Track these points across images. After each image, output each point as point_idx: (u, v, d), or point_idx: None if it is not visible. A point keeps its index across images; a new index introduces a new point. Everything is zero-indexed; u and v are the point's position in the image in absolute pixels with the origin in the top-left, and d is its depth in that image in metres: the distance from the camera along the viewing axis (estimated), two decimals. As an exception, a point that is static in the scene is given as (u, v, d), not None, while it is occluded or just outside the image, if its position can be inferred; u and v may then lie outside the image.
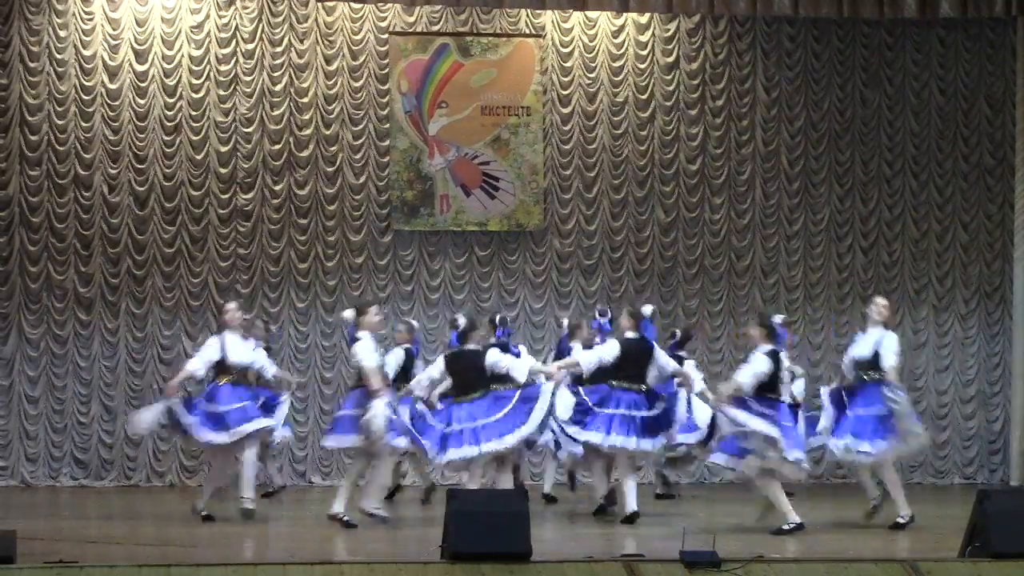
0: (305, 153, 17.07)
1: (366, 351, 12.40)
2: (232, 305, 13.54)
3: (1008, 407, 17.75)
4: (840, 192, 17.86)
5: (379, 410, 12.13)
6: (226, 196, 16.93)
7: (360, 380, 12.53)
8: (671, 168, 17.64)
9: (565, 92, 17.54)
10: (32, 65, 16.62)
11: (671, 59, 17.68)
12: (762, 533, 12.57)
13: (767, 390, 12.30)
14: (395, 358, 14.28)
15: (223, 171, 16.93)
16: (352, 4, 17.09)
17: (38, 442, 16.45)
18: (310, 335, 16.81)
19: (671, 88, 17.67)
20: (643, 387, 13.01)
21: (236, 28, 16.97)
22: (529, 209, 17.34)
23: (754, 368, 12.30)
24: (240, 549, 11.38)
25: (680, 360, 14.92)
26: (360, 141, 17.19)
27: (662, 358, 13.17)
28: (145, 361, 16.69)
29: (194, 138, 16.88)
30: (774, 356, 12.37)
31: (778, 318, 12.97)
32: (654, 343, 13.20)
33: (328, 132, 17.14)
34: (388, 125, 17.20)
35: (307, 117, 17.09)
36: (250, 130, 17.00)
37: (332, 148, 17.14)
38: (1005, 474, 17.71)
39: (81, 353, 16.62)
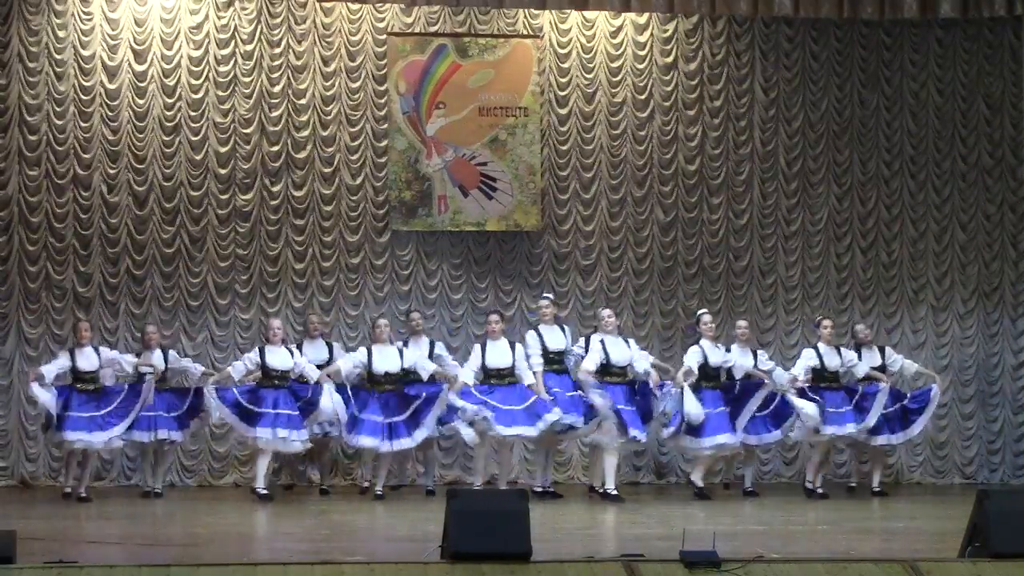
0: (303, 154, 17.08)
1: None
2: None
3: (1007, 407, 17.84)
4: (838, 192, 17.87)
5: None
6: (225, 196, 16.94)
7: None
8: (670, 168, 17.64)
9: (563, 93, 17.55)
10: (31, 65, 16.62)
11: (669, 59, 17.69)
12: (762, 533, 12.58)
13: None
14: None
15: (222, 172, 16.93)
16: (350, 5, 17.09)
17: (38, 442, 16.43)
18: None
19: (669, 88, 17.68)
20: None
21: (235, 29, 16.98)
22: (527, 209, 17.34)
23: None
24: (240, 549, 11.37)
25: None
26: (358, 142, 17.19)
27: None
28: (144, 361, 16.69)
29: (193, 139, 16.89)
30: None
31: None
32: None
33: (326, 133, 17.14)
34: (386, 126, 17.20)
35: (305, 118, 17.09)
36: (249, 131, 17.00)
37: (330, 149, 17.14)
38: (1005, 474, 17.73)
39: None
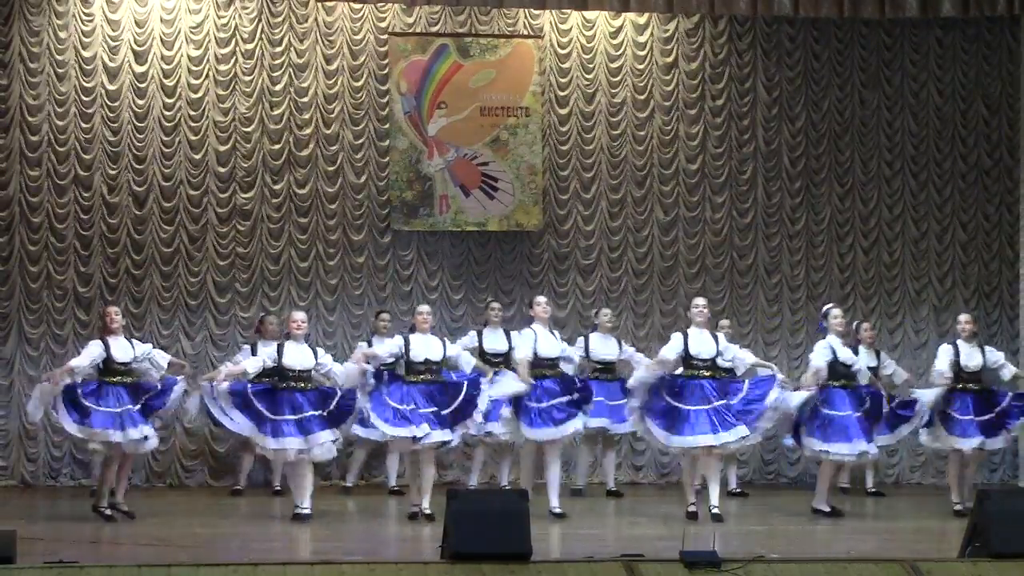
0: (305, 152, 17.08)
1: None
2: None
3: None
4: (840, 192, 17.88)
5: None
6: (225, 195, 16.94)
7: None
8: (670, 168, 17.65)
9: (563, 93, 17.56)
10: (32, 66, 16.63)
11: (670, 59, 17.70)
12: (762, 533, 12.58)
13: None
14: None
15: (222, 170, 16.93)
16: (352, 4, 17.10)
17: (38, 442, 16.43)
18: (311, 334, 16.75)
19: (670, 88, 17.69)
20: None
21: (235, 28, 16.98)
22: (528, 209, 17.35)
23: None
24: (240, 549, 11.38)
25: None
26: (360, 141, 17.20)
27: None
28: (144, 361, 16.68)
29: (193, 138, 16.89)
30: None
31: None
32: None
33: (328, 132, 17.15)
34: (388, 125, 17.20)
35: (307, 117, 17.10)
36: (249, 130, 17.01)
37: (332, 148, 17.15)
38: (1005, 474, 17.72)
39: (80, 353, 16.50)
